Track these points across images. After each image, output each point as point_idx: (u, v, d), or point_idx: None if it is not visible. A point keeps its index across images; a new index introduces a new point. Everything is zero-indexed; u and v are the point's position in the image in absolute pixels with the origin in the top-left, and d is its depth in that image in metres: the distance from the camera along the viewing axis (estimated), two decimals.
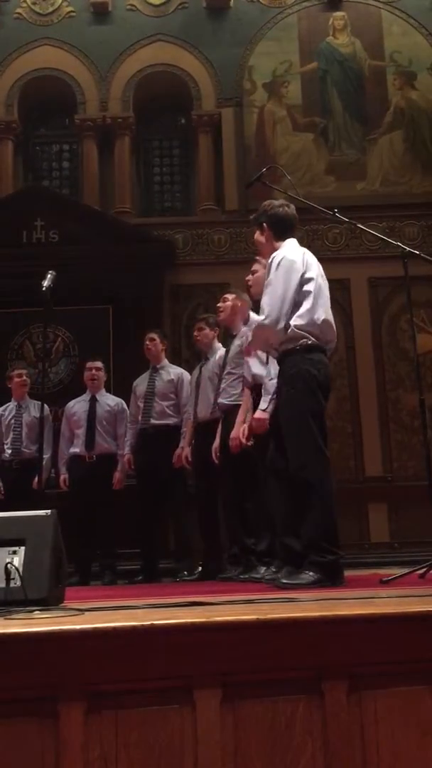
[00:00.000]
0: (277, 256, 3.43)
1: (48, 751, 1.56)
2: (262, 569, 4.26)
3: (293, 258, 3.41)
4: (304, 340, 3.31)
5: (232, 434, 4.48)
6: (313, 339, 3.33)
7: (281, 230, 3.55)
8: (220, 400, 4.92)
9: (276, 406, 3.65)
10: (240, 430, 4.45)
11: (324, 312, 3.38)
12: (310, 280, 3.38)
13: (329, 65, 8.52)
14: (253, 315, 3.50)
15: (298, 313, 3.33)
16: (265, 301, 3.37)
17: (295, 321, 3.32)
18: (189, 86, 8.48)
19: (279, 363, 3.47)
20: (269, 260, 3.48)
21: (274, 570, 3.82)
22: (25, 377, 6.21)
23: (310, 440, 3.25)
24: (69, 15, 8.58)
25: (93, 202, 8.20)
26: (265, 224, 3.57)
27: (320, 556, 3.14)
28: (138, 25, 8.53)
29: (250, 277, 4.37)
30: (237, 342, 4.89)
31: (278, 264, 3.39)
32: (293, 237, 3.58)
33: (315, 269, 3.44)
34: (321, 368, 3.34)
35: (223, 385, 4.95)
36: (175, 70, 8.52)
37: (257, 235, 3.66)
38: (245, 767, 1.60)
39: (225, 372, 4.96)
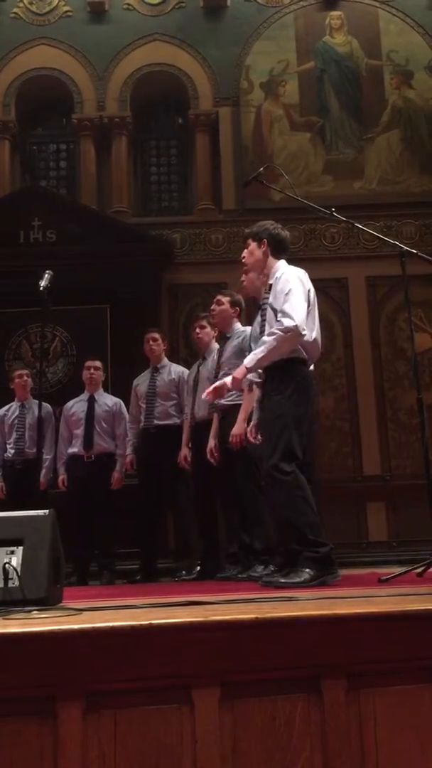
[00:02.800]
0: (286, 272, 3.58)
1: (46, 750, 1.56)
2: (260, 568, 4.26)
3: (299, 275, 3.58)
4: (297, 353, 3.47)
5: (234, 431, 4.46)
6: (304, 354, 3.49)
7: (279, 250, 3.72)
8: (217, 401, 4.88)
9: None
10: (243, 427, 4.44)
11: (316, 330, 3.55)
12: (308, 299, 3.54)
13: (326, 64, 8.51)
14: (285, 321, 3.42)
15: None
16: (289, 308, 3.42)
17: None
18: (186, 86, 8.47)
19: (266, 371, 3.55)
20: (277, 275, 3.60)
21: (272, 569, 3.83)
22: (25, 378, 6.20)
23: (288, 443, 3.36)
24: (66, 14, 8.57)
25: (90, 201, 8.19)
26: (266, 240, 3.70)
27: (313, 552, 3.24)
28: (135, 25, 8.51)
29: (244, 277, 4.46)
30: (234, 342, 4.88)
31: (288, 278, 3.53)
32: (285, 259, 3.74)
33: (312, 290, 3.60)
34: (309, 381, 3.53)
35: None
36: (172, 69, 8.50)
37: (254, 248, 3.75)
38: (243, 766, 1.60)
39: (222, 373, 4.93)
